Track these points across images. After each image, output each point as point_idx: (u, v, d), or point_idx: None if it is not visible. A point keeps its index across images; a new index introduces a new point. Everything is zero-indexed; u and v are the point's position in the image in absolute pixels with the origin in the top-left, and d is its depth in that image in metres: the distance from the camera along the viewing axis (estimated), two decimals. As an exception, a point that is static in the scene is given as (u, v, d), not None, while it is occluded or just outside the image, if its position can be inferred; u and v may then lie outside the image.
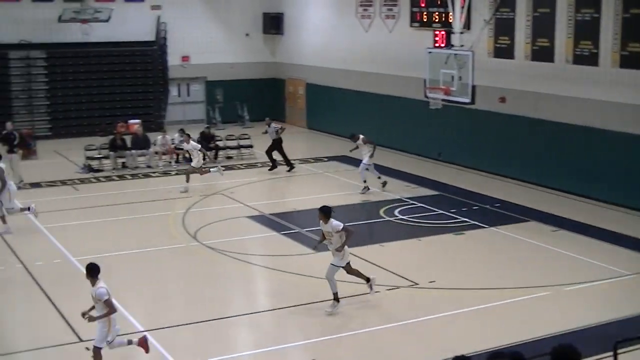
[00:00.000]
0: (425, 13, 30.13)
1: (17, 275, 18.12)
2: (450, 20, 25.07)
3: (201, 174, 26.72)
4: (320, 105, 38.12)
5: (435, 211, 23.41)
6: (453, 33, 23.85)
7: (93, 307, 12.80)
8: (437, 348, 14.12)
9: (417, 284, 17.33)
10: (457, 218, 22.61)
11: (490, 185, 26.51)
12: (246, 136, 32.86)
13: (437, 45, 24.52)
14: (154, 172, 29.31)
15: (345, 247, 15.52)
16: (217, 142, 31.84)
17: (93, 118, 37.56)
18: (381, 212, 23.40)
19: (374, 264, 18.55)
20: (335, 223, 15.39)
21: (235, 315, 15.85)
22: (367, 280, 16.06)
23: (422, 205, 24.11)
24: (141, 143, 30.38)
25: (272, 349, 14.32)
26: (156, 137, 30.92)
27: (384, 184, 25.77)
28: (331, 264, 15.60)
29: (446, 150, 30.16)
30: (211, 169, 26.82)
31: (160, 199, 25.39)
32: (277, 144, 29.40)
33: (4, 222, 21.41)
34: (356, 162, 28.04)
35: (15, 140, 27.34)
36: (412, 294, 16.88)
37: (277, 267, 18.64)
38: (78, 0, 36.48)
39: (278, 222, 22.44)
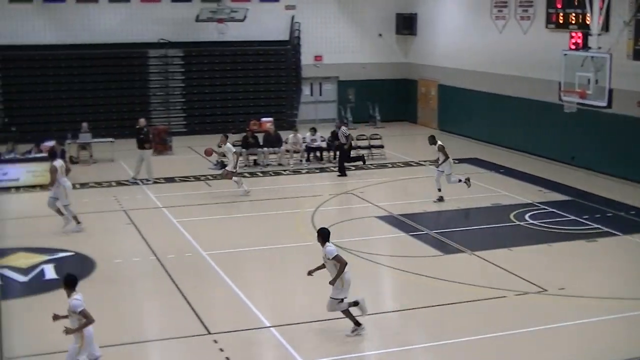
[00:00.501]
0: (561, 14, 29.52)
1: (151, 267, 18.67)
2: (588, 22, 24.48)
3: (228, 177, 26.08)
4: (452, 106, 37.79)
5: (567, 217, 22.88)
6: (590, 35, 23.27)
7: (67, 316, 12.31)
8: (564, 357, 13.83)
9: (545, 290, 17.00)
10: (589, 225, 22.05)
11: (625, 192, 25.74)
12: (377, 136, 32.86)
13: (573, 47, 23.97)
14: (284, 170, 29.66)
15: (344, 278, 14.32)
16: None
17: (226, 115, 38.32)
18: (511, 216, 23.02)
19: (502, 268, 18.32)
20: (329, 249, 14.34)
21: (361, 315, 15.89)
22: (358, 324, 14.64)
23: (553, 210, 23.60)
24: (273, 141, 30.81)
25: (396, 350, 14.30)
26: (288, 136, 31.29)
27: (440, 198, 24.73)
28: (330, 297, 14.55)
29: (580, 155, 29.44)
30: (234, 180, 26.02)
31: (290, 197, 25.70)
32: (347, 150, 29.19)
33: (73, 221, 21.67)
34: (488, 166, 27.80)
35: (145, 136, 27.85)
36: (540, 300, 16.57)
37: (404, 268, 18.60)
38: (215, 0, 37.29)
39: (407, 223, 22.37)
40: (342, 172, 28.79)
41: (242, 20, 37.35)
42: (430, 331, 15.14)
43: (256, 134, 31.23)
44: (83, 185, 26.97)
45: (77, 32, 36.92)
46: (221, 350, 13.96)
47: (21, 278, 17.93)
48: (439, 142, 25.02)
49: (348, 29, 40.74)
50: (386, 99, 40.64)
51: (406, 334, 15.07)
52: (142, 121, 28.20)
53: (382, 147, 32.15)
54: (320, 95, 41.32)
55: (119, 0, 37.30)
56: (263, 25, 38.97)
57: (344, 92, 40.90)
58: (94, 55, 37.05)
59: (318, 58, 40.51)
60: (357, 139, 32.34)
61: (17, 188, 26.75)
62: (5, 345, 14.33)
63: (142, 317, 15.96)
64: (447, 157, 24.65)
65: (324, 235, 14.52)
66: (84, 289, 17.24)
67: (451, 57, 37.52)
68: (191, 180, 28.06)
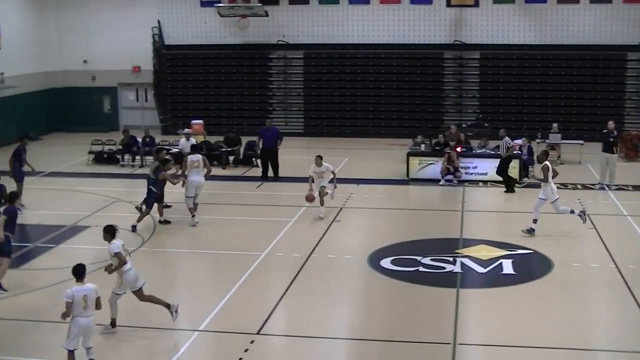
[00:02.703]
0: None
1: (609, 274, 18.30)
2: None
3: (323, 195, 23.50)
4: None
5: None
6: None
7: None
8: None
9: None
10: None
11: None
12: None
13: None
14: None
15: (125, 275, 14.77)
16: None
17: None
18: None
19: None
20: (112, 246, 14.74)
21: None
22: (167, 306, 15.09)
23: None
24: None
25: None
26: None
27: (530, 230, 21.13)
28: (112, 291, 14.94)
29: None
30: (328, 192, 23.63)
31: None
32: (506, 162, 26.50)
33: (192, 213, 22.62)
34: None
35: (614, 140, 27.34)
36: None
37: None
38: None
39: None
40: (509, 188, 26.42)
41: None
42: None
43: None
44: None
45: (555, 32, 37.30)
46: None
47: (480, 269, 18.62)
48: (546, 162, 21.20)
49: None
50: None
51: None
52: (610, 124, 27.72)
53: None
54: None
55: (600, 1, 36.87)
56: None
57: None
58: (570, 56, 37.14)
59: None
60: None
61: (485, 182, 27.77)
62: (459, 331, 15.00)
63: (592, 325, 15.73)
64: (546, 180, 20.94)
65: (110, 232, 14.86)
66: (537, 289, 17.46)
67: None
68: (657, 190, 26.95)
